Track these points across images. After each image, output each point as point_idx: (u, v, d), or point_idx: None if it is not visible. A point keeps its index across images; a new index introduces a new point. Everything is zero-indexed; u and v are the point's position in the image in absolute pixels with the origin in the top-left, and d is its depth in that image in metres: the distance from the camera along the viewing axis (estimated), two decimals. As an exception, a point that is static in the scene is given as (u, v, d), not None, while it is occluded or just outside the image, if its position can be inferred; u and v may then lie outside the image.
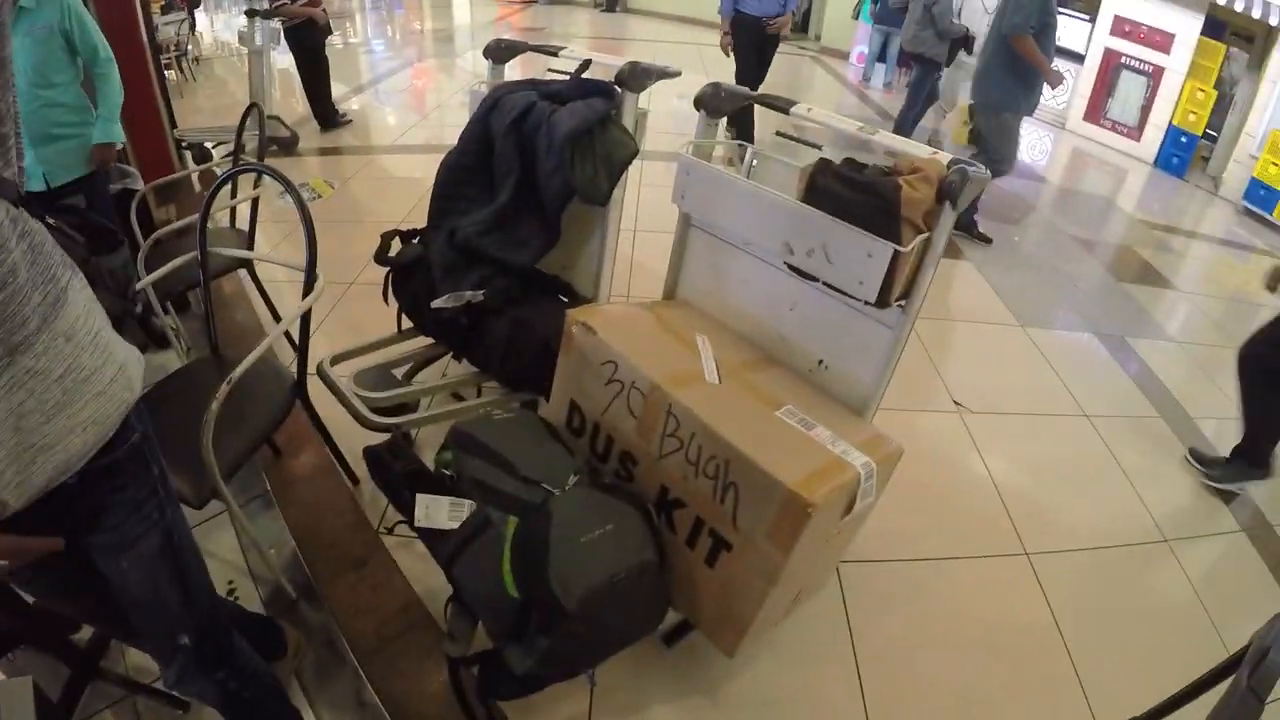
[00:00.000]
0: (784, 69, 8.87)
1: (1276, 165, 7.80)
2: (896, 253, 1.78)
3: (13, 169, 1.04)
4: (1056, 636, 2.52)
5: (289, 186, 2.28)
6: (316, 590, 2.36)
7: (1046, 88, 5.30)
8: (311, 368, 2.45)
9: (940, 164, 1.83)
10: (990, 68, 5.12)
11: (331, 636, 2.23)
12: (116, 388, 1.19)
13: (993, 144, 5.34)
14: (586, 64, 2.63)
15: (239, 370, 1.93)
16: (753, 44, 6.27)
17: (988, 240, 5.64)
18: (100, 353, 1.17)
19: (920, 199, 1.78)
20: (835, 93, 10.42)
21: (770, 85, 6.17)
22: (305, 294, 2.16)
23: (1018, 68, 4.97)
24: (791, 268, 2.06)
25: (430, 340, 2.77)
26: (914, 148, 1.97)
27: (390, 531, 2.52)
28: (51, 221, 1.16)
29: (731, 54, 6.35)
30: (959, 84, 7.40)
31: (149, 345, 3.26)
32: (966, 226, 5.58)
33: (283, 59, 6.79)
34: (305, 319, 2.26)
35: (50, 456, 1.09)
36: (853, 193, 1.85)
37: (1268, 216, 7.87)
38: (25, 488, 1.07)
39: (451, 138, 2.64)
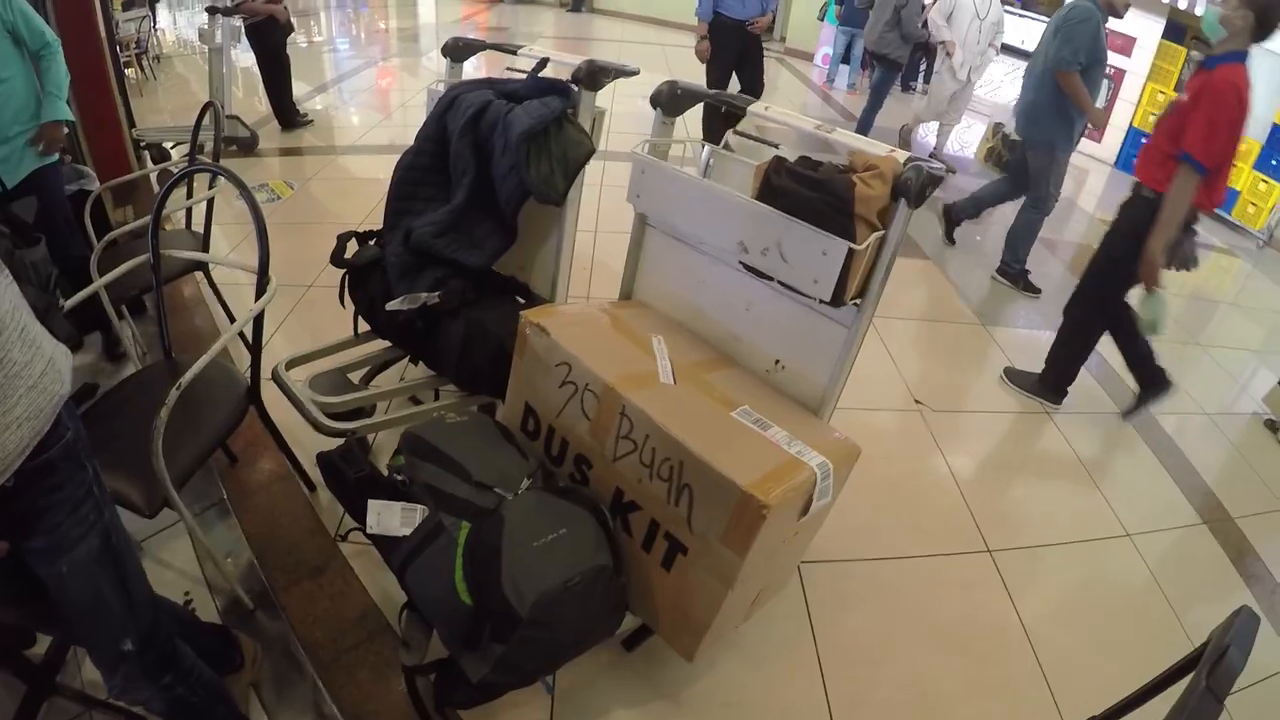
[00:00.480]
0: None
1: (1234, 166, 7.89)
2: (851, 250, 1.77)
3: None
4: (1020, 632, 2.53)
5: (241, 187, 2.24)
6: (274, 599, 2.32)
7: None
8: (267, 372, 2.41)
9: (896, 161, 1.83)
10: (1039, 102, 4.82)
11: (289, 647, 2.19)
12: (48, 381, 1.18)
13: (1043, 180, 5.01)
14: (543, 63, 2.61)
15: (189, 375, 1.89)
16: (733, 48, 6.02)
17: (1036, 291, 5.27)
18: (29, 347, 1.16)
19: (875, 196, 1.77)
20: (799, 93, 10.45)
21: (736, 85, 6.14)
22: (258, 297, 2.12)
23: (1066, 102, 4.70)
24: (747, 267, 2.05)
25: (387, 343, 2.73)
26: (870, 145, 1.97)
27: (345, 539, 2.48)
28: None
29: (706, 59, 6.02)
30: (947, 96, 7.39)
31: (76, 340, 3.19)
32: (1015, 277, 5.31)
33: (245, 57, 6.70)
34: (258, 322, 2.22)
35: None
36: (807, 190, 1.84)
37: (1225, 216, 7.99)
38: None
39: (412, 139, 2.61)
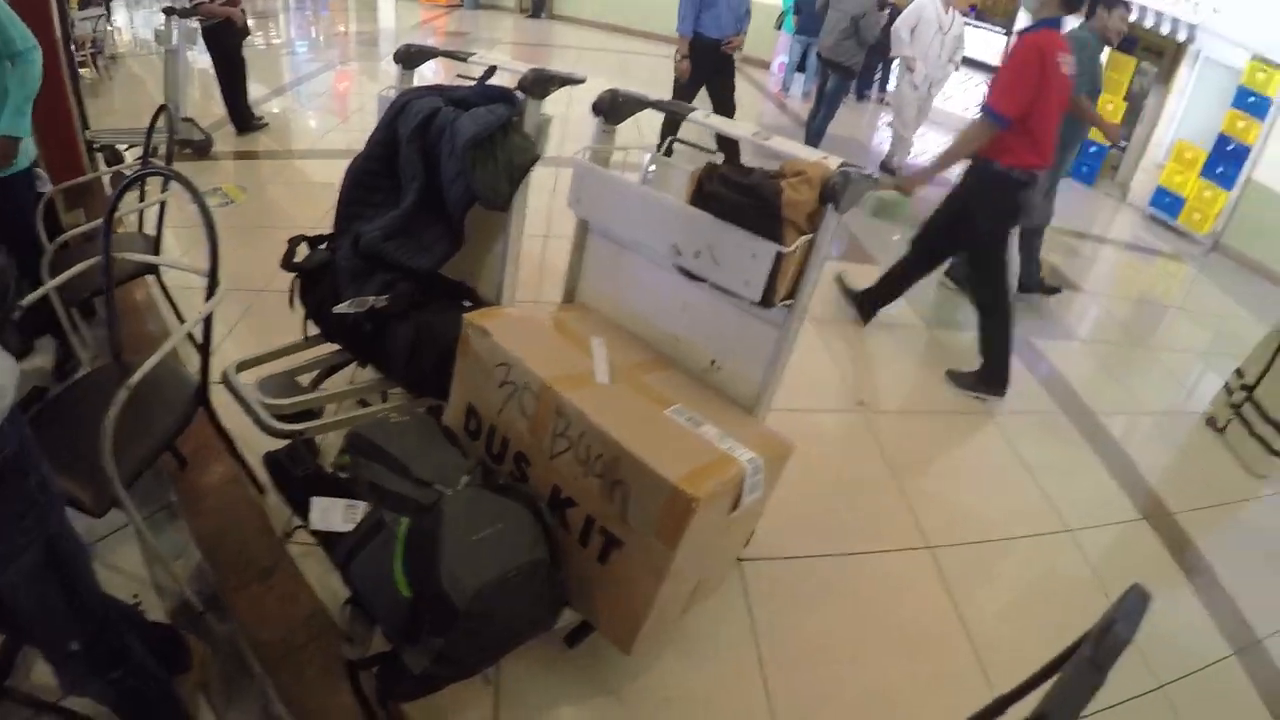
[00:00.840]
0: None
1: (1181, 174, 8.12)
2: (779, 253, 1.84)
3: None
4: (960, 628, 2.60)
5: (192, 191, 2.27)
6: (222, 601, 2.33)
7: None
8: (217, 375, 2.43)
9: (825, 167, 1.90)
10: None
11: (238, 648, 2.20)
12: None
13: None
14: (491, 70, 2.66)
15: (138, 375, 1.91)
16: (706, 67, 6.12)
17: (1056, 290, 5.57)
18: None
19: (802, 201, 1.84)
20: (755, 101, 10.52)
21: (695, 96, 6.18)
22: (207, 299, 2.15)
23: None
24: (682, 270, 2.11)
25: (336, 347, 2.75)
26: (802, 151, 2.04)
27: (290, 537, 2.50)
28: None
29: (686, 78, 6.13)
30: None
31: (27, 346, 3.18)
32: (1031, 286, 5.41)
33: (201, 59, 6.65)
34: (208, 324, 2.25)
35: None
36: (737, 195, 1.91)
37: (1171, 222, 8.21)
38: None
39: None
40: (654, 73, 5.99)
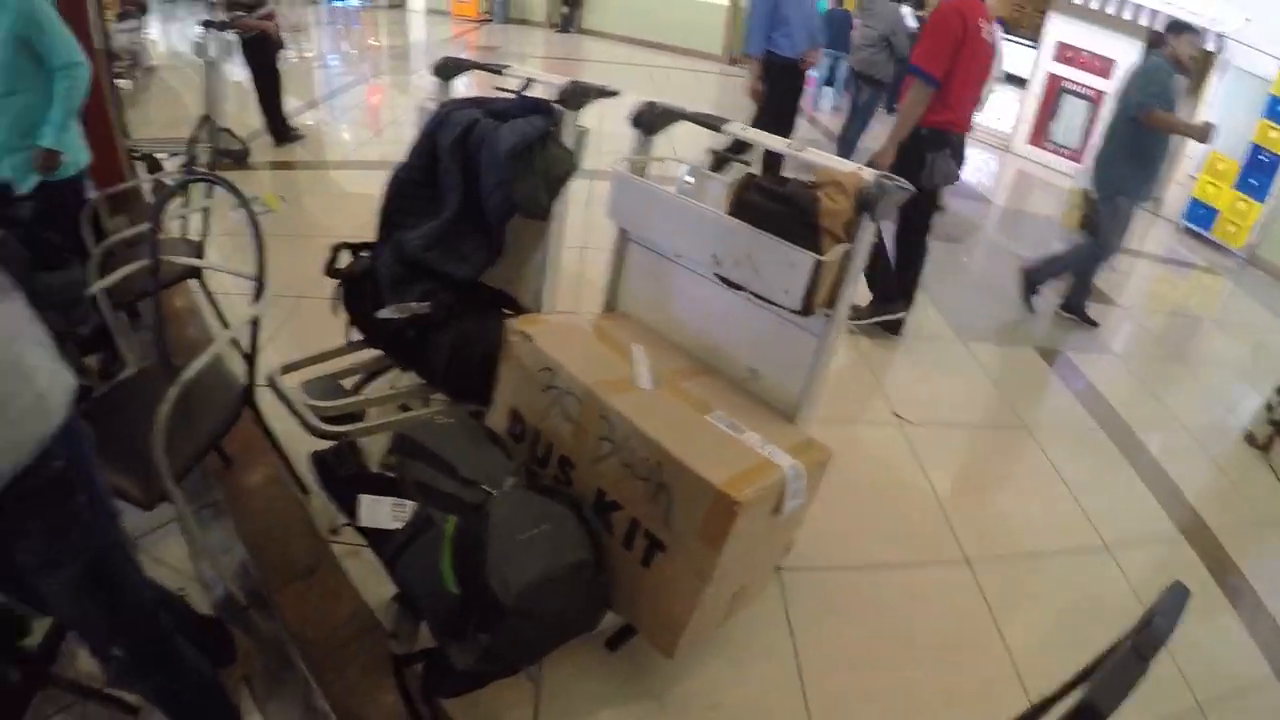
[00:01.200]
0: (733, 92, 8.96)
1: (1214, 185, 8.04)
2: (818, 262, 1.86)
3: None
4: (999, 641, 2.59)
5: (239, 196, 2.31)
6: (266, 598, 2.37)
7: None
8: (262, 378, 2.48)
9: (860, 177, 1.93)
10: (1111, 153, 4.94)
11: (281, 644, 2.24)
12: (30, 417, 1.19)
13: (1104, 228, 5.08)
14: (528, 83, 2.69)
15: (191, 371, 1.98)
16: (785, 88, 5.78)
17: (1094, 324, 5.35)
18: (17, 379, 1.17)
19: (838, 210, 1.86)
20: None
21: (721, 107, 6.17)
22: (254, 301, 2.19)
23: (1138, 152, 4.82)
24: (722, 279, 2.13)
25: (378, 352, 2.80)
26: (836, 162, 2.06)
27: (336, 534, 2.54)
28: None
29: (759, 100, 5.80)
30: None
31: (90, 368, 3.23)
32: (1074, 309, 5.36)
33: (237, 72, 6.75)
34: (255, 326, 2.30)
35: None
36: (774, 205, 1.94)
37: (1206, 234, 8.12)
38: None
39: (403, 154, 2.68)
40: (683, 87, 5.98)
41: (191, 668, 1.69)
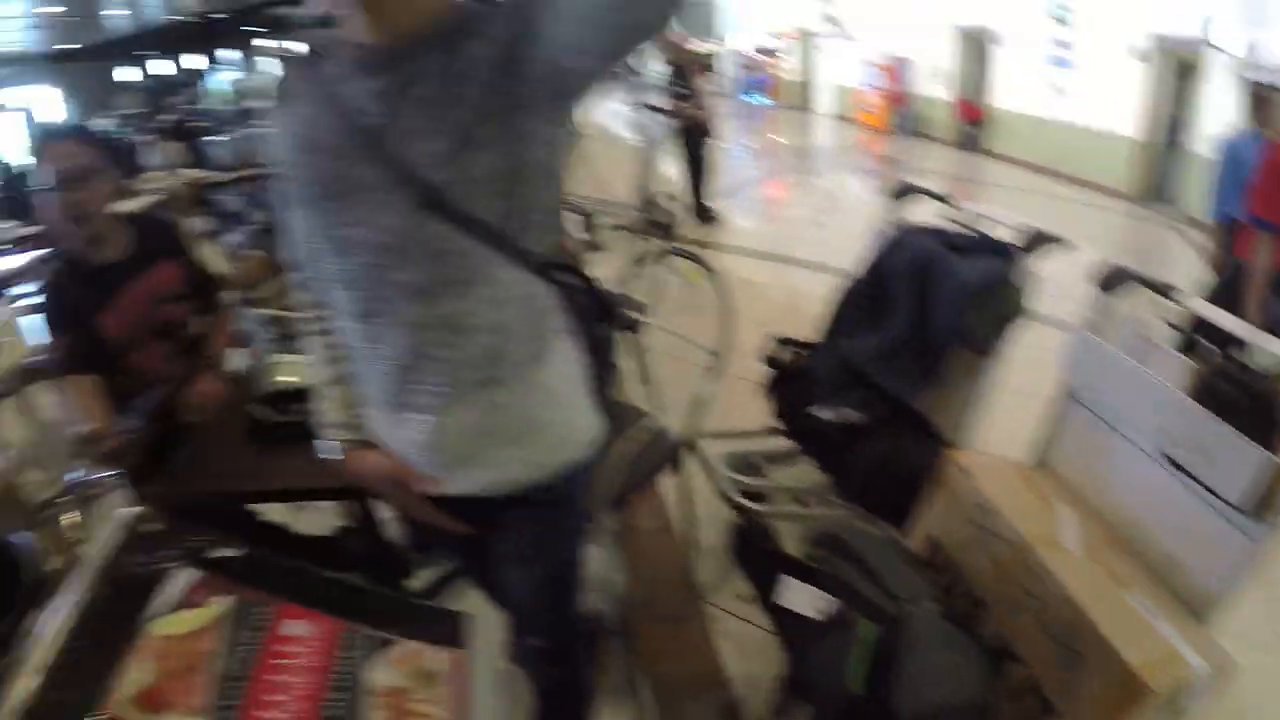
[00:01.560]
0: (1141, 236, 8.59)
1: None
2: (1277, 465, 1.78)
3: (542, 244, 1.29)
4: None
5: (708, 270, 2.58)
6: (630, 628, 2.57)
7: None
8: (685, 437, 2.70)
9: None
10: None
11: (631, 673, 2.43)
12: (562, 446, 1.41)
13: None
14: (990, 222, 2.79)
15: (653, 423, 2.26)
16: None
17: None
18: (560, 410, 1.40)
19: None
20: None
21: (1128, 252, 5.62)
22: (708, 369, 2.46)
23: None
24: (1169, 460, 2.09)
25: (790, 444, 2.96)
26: None
27: (715, 592, 2.67)
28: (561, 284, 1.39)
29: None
30: None
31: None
32: None
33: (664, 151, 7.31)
34: (710, 393, 2.57)
35: (482, 473, 1.35)
36: (1239, 396, 1.90)
37: None
38: (454, 482, 1.36)
39: (813, 256, 2.83)
40: (1086, 223, 5.58)
41: (585, 670, 1.89)
